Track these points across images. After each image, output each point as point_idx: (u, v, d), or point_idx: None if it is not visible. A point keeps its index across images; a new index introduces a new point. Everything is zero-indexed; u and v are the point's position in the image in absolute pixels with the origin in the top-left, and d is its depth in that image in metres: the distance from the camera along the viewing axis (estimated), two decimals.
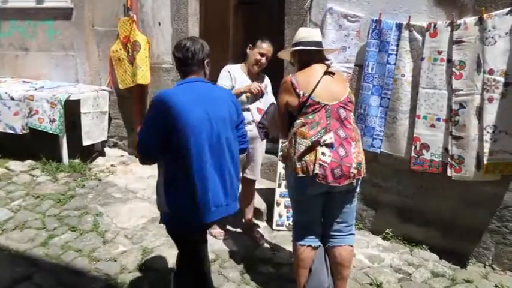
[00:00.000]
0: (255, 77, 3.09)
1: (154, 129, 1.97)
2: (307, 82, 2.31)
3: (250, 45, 3.05)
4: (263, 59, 3.00)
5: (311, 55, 2.40)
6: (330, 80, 2.33)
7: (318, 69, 2.36)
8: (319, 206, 2.39)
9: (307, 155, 2.21)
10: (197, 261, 2.22)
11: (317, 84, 2.28)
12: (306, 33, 2.47)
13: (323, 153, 2.18)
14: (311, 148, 2.21)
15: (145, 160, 2.10)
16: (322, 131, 2.22)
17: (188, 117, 1.96)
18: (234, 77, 2.99)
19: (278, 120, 2.55)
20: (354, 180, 2.25)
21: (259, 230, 3.43)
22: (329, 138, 2.20)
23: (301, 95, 2.28)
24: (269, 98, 3.12)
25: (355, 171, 2.22)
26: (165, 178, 2.04)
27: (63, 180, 4.25)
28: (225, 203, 2.09)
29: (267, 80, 3.20)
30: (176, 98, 2.01)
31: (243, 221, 3.44)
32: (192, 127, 1.96)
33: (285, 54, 2.68)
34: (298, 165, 2.23)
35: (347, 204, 2.38)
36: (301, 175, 2.23)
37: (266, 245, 3.26)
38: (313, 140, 2.21)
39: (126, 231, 3.33)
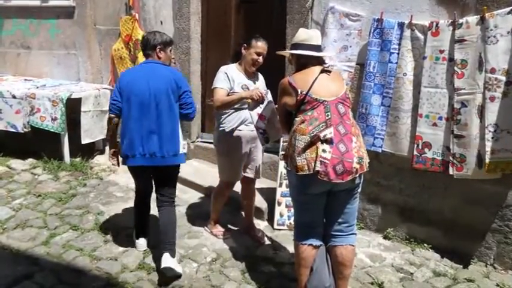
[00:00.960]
0: (251, 75, 3.08)
1: (118, 92, 2.83)
2: (305, 80, 2.33)
3: (245, 45, 3.02)
4: (260, 58, 2.99)
5: (309, 58, 2.42)
6: (326, 78, 2.35)
7: (315, 69, 2.39)
8: (321, 206, 2.38)
9: (308, 152, 2.21)
10: (144, 194, 3.11)
11: (314, 82, 2.30)
12: (306, 36, 2.47)
13: (323, 150, 2.18)
14: (311, 144, 2.20)
15: (113, 115, 2.88)
16: (322, 125, 2.22)
17: (133, 87, 2.77)
18: (232, 78, 2.97)
19: (280, 121, 2.57)
20: (357, 176, 2.25)
21: (260, 229, 3.43)
22: (329, 132, 2.19)
23: (299, 93, 2.30)
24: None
25: (357, 166, 2.21)
26: (121, 129, 2.88)
27: (64, 178, 4.26)
28: (160, 154, 2.77)
29: (261, 78, 3.19)
30: (130, 73, 2.93)
31: (244, 220, 3.44)
32: (135, 94, 2.76)
33: (284, 53, 2.73)
34: (299, 162, 2.22)
35: (349, 203, 2.37)
36: (301, 173, 2.22)
37: (267, 243, 3.26)
38: (312, 134, 2.21)
39: (127, 231, 3.33)
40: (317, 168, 2.17)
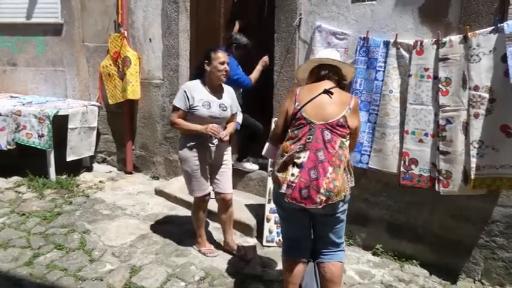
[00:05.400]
0: (216, 91, 3.04)
1: None
2: (306, 95, 2.31)
3: (206, 61, 2.98)
4: (226, 66, 2.98)
5: (328, 73, 2.40)
6: (326, 99, 2.29)
7: (321, 85, 2.35)
8: (304, 221, 2.36)
9: (281, 172, 2.24)
10: None
11: (311, 100, 2.28)
12: (330, 55, 2.50)
13: (292, 174, 2.18)
14: (285, 164, 2.22)
15: None
16: (300, 147, 2.22)
17: None
18: (191, 95, 2.94)
19: (278, 126, 2.47)
20: (321, 206, 2.12)
21: (242, 245, 3.39)
22: (303, 157, 2.18)
23: (295, 105, 2.30)
24: (234, 109, 3.16)
25: (322, 198, 2.11)
26: None
27: (49, 196, 4.18)
28: None
29: (227, 92, 3.13)
30: None
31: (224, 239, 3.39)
32: None
33: (301, 73, 2.62)
34: (277, 177, 2.26)
35: (333, 225, 2.33)
36: (275, 187, 2.29)
37: (256, 260, 3.23)
38: (290, 154, 2.22)
39: (113, 249, 3.27)
40: (282, 191, 2.19)
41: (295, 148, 2.22)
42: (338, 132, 2.23)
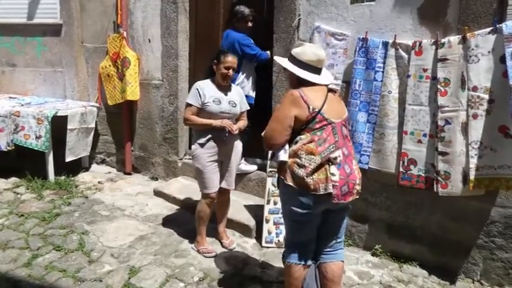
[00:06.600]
0: (224, 88, 3.19)
1: None
2: (315, 98, 2.26)
3: (215, 61, 3.15)
4: (230, 72, 3.13)
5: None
6: (333, 98, 2.36)
7: (323, 87, 2.35)
8: (317, 224, 2.36)
9: (316, 174, 2.17)
10: None
11: (325, 101, 2.27)
12: (315, 58, 2.34)
13: (332, 174, 2.17)
14: (320, 166, 2.17)
15: None
16: (332, 147, 2.21)
17: None
18: (203, 93, 3.09)
19: (277, 131, 2.28)
20: (358, 196, 2.30)
21: (229, 236, 3.51)
22: (338, 155, 2.21)
23: (311, 110, 2.22)
24: (243, 106, 3.28)
25: (358, 188, 2.27)
26: None
27: (48, 197, 4.17)
28: None
29: (234, 90, 3.28)
30: None
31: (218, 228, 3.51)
32: None
33: (280, 61, 2.53)
34: (309, 182, 2.16)
35: (343, 217, 2.42)
36: (312, 192, 2.17)
37: (255, 262, 3.23)
38: (323, 156, 2.18)
39: (112, 250, 3.27)
40: (329, 191, 2.16)
41: (324, 150, 2.19)
42: (347, 125, 2.37)
